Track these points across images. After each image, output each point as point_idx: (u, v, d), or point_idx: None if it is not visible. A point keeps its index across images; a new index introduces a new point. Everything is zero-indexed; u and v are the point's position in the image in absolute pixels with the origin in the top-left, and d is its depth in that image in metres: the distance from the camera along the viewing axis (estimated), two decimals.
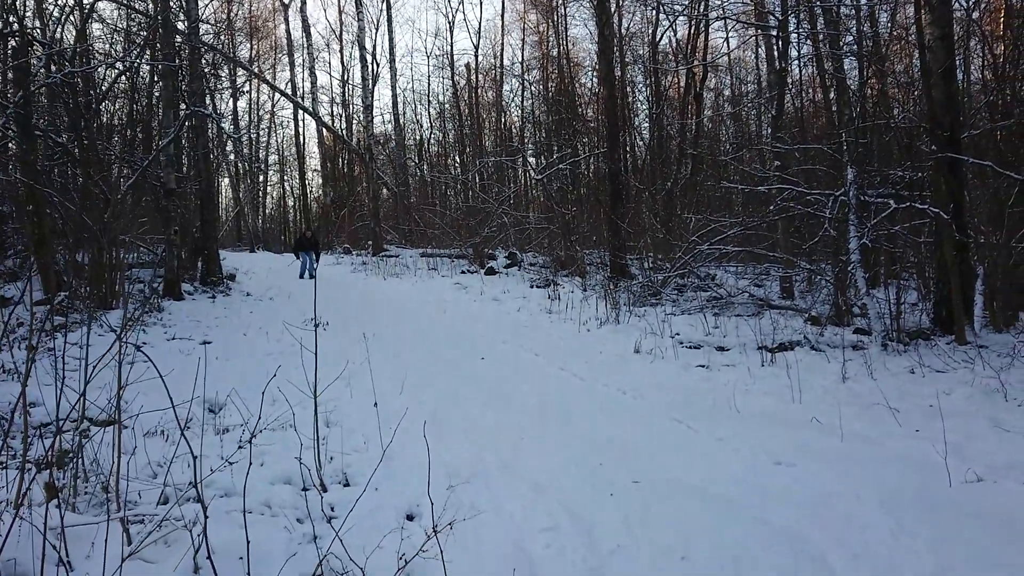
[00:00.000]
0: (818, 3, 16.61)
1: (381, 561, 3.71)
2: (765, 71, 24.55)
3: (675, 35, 26.44)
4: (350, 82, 39.27)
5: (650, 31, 25.61)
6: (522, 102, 36.41)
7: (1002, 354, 8.31)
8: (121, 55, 16.18)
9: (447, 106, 40.22)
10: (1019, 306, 10.28)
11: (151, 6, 17.00)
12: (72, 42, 15.32)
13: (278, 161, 45.87)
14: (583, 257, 20.66)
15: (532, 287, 18.81)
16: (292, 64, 38.83)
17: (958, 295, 9.42)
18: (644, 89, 29.10)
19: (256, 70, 36.43)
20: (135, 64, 16.09)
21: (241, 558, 3.28)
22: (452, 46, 41.59)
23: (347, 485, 5.19)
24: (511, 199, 28.78)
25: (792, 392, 7.74)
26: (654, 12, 24.28)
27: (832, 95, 18.67)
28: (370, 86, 31.71)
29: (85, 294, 12.52)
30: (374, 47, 36.23)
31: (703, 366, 9.60)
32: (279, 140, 45.58)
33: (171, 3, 15.58)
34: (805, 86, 23.66)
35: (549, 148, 30.33)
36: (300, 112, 39.30)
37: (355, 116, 37.49)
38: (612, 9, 23.32)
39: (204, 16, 19.56)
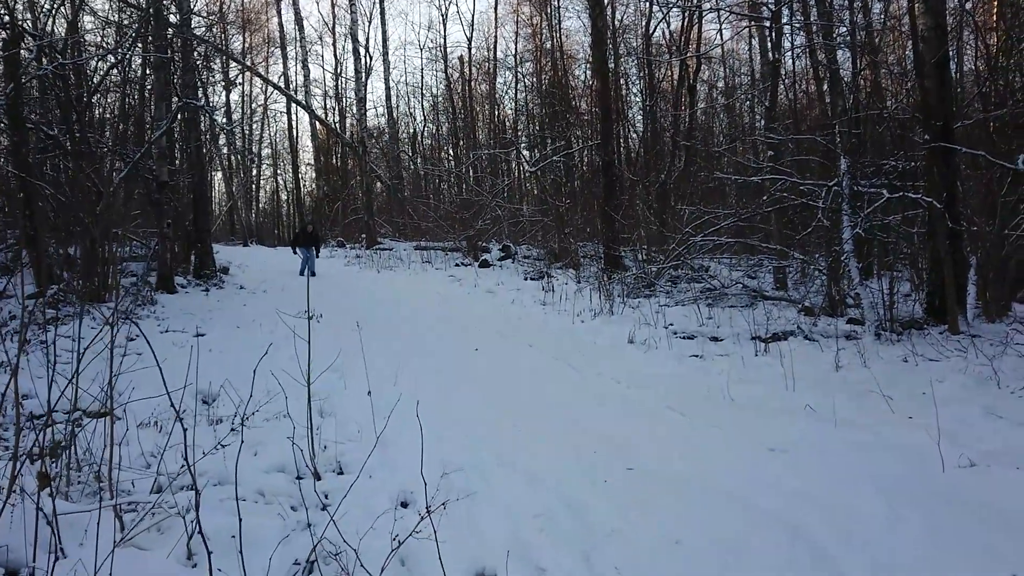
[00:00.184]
0: None
1: (375, 543, 3.70)
2: (758, 63, 24.59)
3: (668, 27, 26.48)
4: (343, 75, 39.21)
5: (644, 23, 25.59)
6: (515, 95, 36.39)
7: (995, 343, 8.33)
8: (113, 47, 16.07)
9: (440, 99, 40.21)
10: (1012, 297, 10.31)
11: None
12: (63, 35, 15.24)
13: (271, 155, 45.78)
14: (577, 249, 20.66)
15: (526, 279, 18.83)
16: (285, 57, 38.72)
17: (951, 285, 9.43)
18: (638, 81, 29.09)
19: (248, 63, 36.30)
20: (127, 56, 16.00)
21: (234, 536, 3.24)
22: (445, 39, 41.37)
23: (341, 473, 5.20)
24: (505, 192, 28.77)
25: (786, 381, 7.75)
26: (647, 4, 24.26)
27: (825, 87, 18.67)
28: (363, 79, 31.64)
29: (77, 287, 12.47)
30: (367, 40, 36.34)
31: (697, 356, 9.61)
32: (272, 133, 45.54)
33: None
34: (798, 78, 23.69)
35: (543, 141, 30.33)
36: (293, 105, 39.20)
37: (348, 109, 37.44)
38: (605, 1, 23.26)
39: (196, 8, 19.40)
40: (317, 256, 20.71)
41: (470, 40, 36.82)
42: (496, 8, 36.22)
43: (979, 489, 4.50)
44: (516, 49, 36.64)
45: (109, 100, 17.96)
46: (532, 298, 15.59)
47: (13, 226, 13.54)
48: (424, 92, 42.18)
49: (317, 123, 37.66)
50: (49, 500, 3.67)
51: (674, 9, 23.48)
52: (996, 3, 14.76)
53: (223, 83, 33.11)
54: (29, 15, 15.05)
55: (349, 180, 36.88)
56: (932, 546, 3.84)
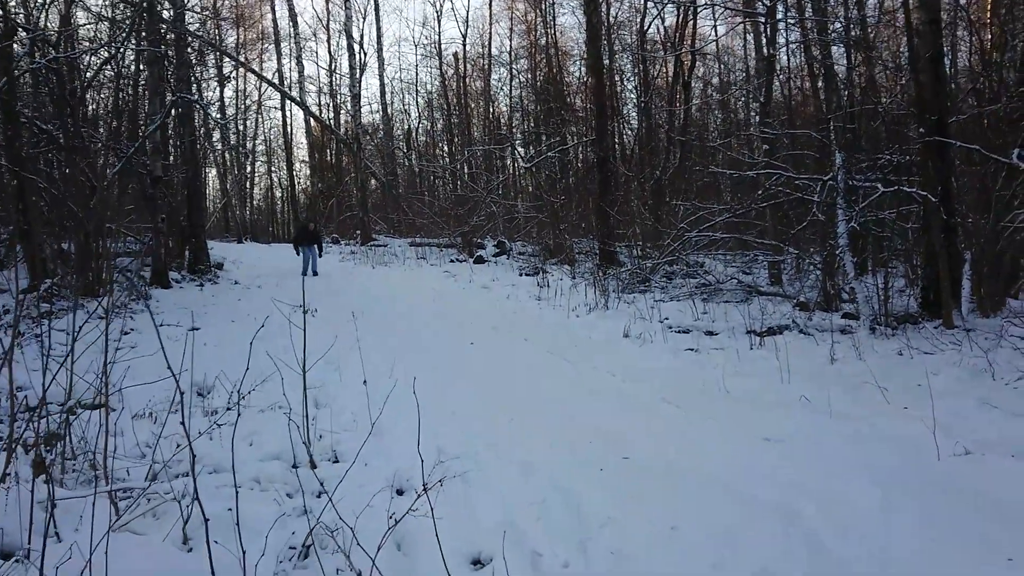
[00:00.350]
0: None
1: (371, 524, 3.70)
2: (753, 59, 24.61)
3: (663, 23, 26.43)
4: (337, 71, 39.14)
5: (638, 19, 25.56)
6: (510, 91, 36.39)
7: (990, 337, 8.33)
8: (106, 42, 16.02)
9: (435, 96, 40.17)
10: (1006, 292, 10.32)
11: None
12: (56, 29, 15.18)
13: (266, 152, 45.68)
14: (572, 245, 20.67)
15: (521, 275, 18.83)
16: (279, 53, 38.63)
17: (946, 279, 9.45)
18: (632, 78, 29.10)
19: (242, 59, 36.22)
20: (121, 50, 15.95)
21: (230, 508, 3.23)
22: (440, 35, 41.48)
23: (336, 461, 5.20)
24: (500, 188, 28.76)
25: (781, 373, 7.75)
26: (642, 0, 24.24)
27: (820, 83, 18.70)
28: (358, 75, 31.58)
29: (71, 282, 12.43)
30: (361, 36, 36.14)
31: (692, 349, 9.62)
32: (266, 130, 45.39)
33: None
34: (793, 74, 23.71)
35: (537, 137, 30.33)
36: (287, 102, 39.11)
37: (343, 106, 37.38)
38: None
39: (190, 4, 19.35)
40: (320, 255, 19.82)
41: (465, 36, 36.98)
42: (491, 4, 36.04)
43: (974, 478, 4.50)
44: (511, 45, 36.65)
45: (102, 95, 17.91)
46: (527, 293, 15.59)
47: (7, 221, 13.49)
48: (419, 89, 42.20)
49: (312, 120, 37.60)
50: (44, 487, 3.66)
51: (669, 5, 23.44)
52: (990, 1, 14.80)
53: (217, 79, 33.04)
54: (22, 9, 14.99)
55: (344, 177, 36.83)
56: (928, 534, 3.84)
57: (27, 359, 6.75)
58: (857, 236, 11.49)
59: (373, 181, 34.76)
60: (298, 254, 19.22)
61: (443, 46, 39.13)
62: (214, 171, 38.88)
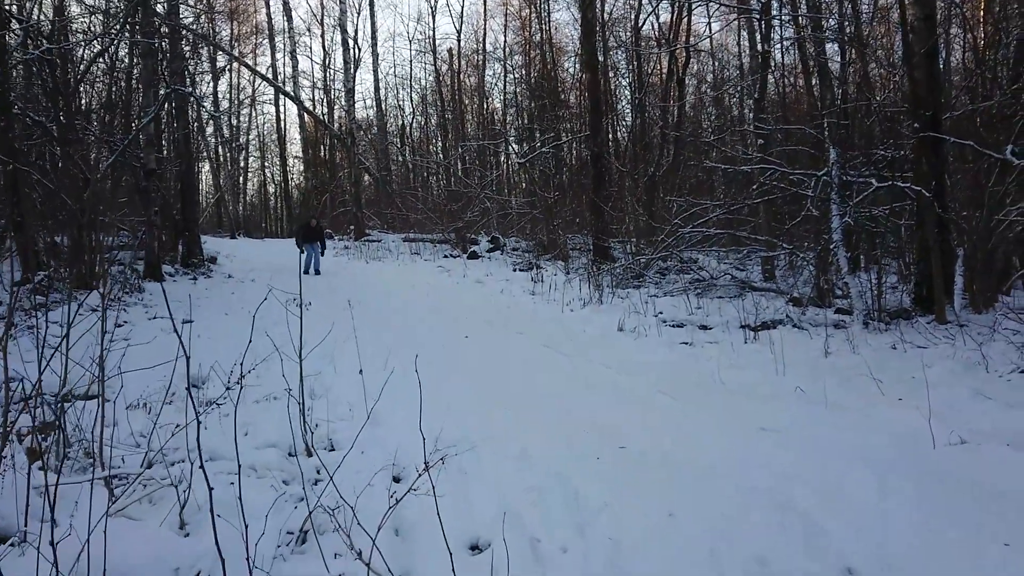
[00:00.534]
0: None
1: (369, 505, 3.70)
2: (747, 57, 24.63)
3: (657, 20, 26.47)
4: (331, 67, 39.08)
5: (633, 16, 25.58)
6: (504, 87, 36.37)
7: (983, 332, 8.36)
8: (100, 34, 15.95)
9: (429, 91, 40.13)
10: (998, 288, 10.36)
11: None
12: (50, 18, 15.10)
13: (259, 147, 45.55)
14: (565, 241, 20.68)
15: (515, 270, 18.85)
16: (273, 48, 38.55)
17: (939, 274, 9.48)
18: (627, 75, 29.09)
19: (236, 53, 36.11)
20: (115, 41, 15.88)
21: (232, 483, 3.22)
22: (434, 31, 41.46)
23: (332, 450, 5.20)
24: (493, 184, 28.76)
25: (776, 365, 7.78)
26: None
27: (814, 79, 18.74)
28: (352, 70, 31.53)
29: (65, 275, 12.38)
30: (356, 31, 36.08)
31: (687, 343, 9.64)
32: (260, 125, 45.29)
33: None
34: (787, 70, 23.75)
35: (531, 133, 30.33)
36: (281, 97, 39.03)
37: (336, 101, 37.32)
38: None
39: None
40: (323, 253, 18.87)
41: (459, 32, 36.77)
42: (485, 0, 36.00)
43: (970, 466, 4.53)
44: (505, 41, 36.64)
45: (96, 88, 17.82)
46: (521, 288, 15.60)
47: (0, 213, 13.42)
48: (413, 84, 42.14)
49: (306, 115, 37.53)
50: (39, 474, 3.65)
51: (663, 2, 23.48)
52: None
53: (210, 72, 32.94)
54: (15, 0, 14.92)
55: (337, 172, 36.77)
56: (924, 519, 3.86)
57: (21, 350, 6.72)
58: (851, 232, 11.53)
59: (367, 176, 34.70)
60: (301, 251, 18.00)
61: (437, 42, 39.39)
62: (207, 166, 38.79)
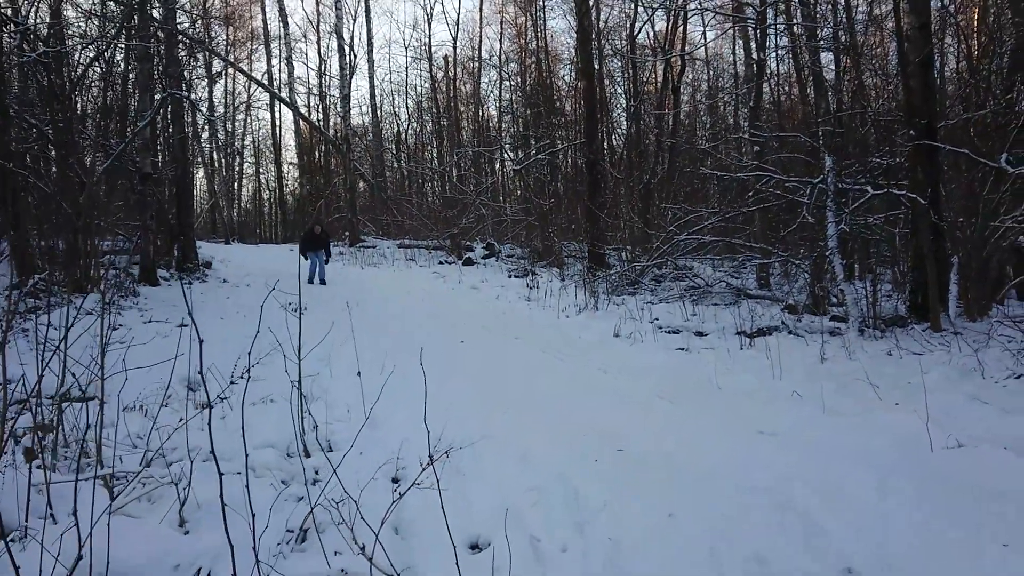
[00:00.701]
0: None
1: (370, 501, 3.70)
2: (742, 65, 24.76)
3: (653, 28, 26.58)
4: (327, 73, 39.11)
5: (628, 24, 25.66)
6: (500, 94, 36.44)
7: (978, 340, 8.39)
8: (96, 37, 15.94)
9: (425, 98, 40.19)
10: (992, 297, 10.40)
11: None
12: (46, 21, 15.09)
13: (254, 153, 45.51)
14: (560, 248, 20.71)
15: (510, 277, 18.86)
16: (269, 54, 38.56)
17: (934, 282, 9.51)
18: (622, 82, 29.19)
19: (232, 59, 36.12)
20: (112, 44, 15.87)
21: (238, 472, 3.22)
22: (430, 38, 41.60)
23: (331, 451, 5.19)
24: (488, 191, 28.79)
25: (773, 370, 7.80)
26: (632, 5, 24.32)
27: (809, 90, 18.83)
28: (347, 77, 31.55)
29: (60, 278, 12.34)
30: (351, 38, 36.14)
31: (683, 349, 9.65)
32: (255, 130, 45.26)
33: None
34: (782, 80, 23.86)
35: (527, 140, 30.40)
36: (276, 103, 39.04)
37: (332, 107, 37.35)
38: (591, 2, 23.33)
39: (181, 3, 19.30)
40: (327, 261, 18.09)
41: (455, 39, 36.94)
42: (481, 8, 36.19)
43: (969, 468, 4.53)
44: (501, 49, 36.71)
45: (92, 92, 17.80)
46: (517, 294, 15.62)
47: None
48: (408, 91, 42.19)
49: (301, 121, 37.53)
50: (37, 473, 3.64)
51: (659, 11, 23.57)
52: (977, 9, 14.95)
53: (206, 77, 32.94)
54: (10, 4, 14.89)
55: (332, 178, 36.75)
56: (924, 519, 3.88)
57: (17, 352, 6.69)
58: (846, 239, 11.57)
59: (362, 183, 34.71)
60: (305, 259, 17.49)
61: (433, 49, 39.21)
62: (202, 171, 38.73)
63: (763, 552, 3.61)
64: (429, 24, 53.14)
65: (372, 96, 34.72)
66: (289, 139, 51.73)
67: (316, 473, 4.61)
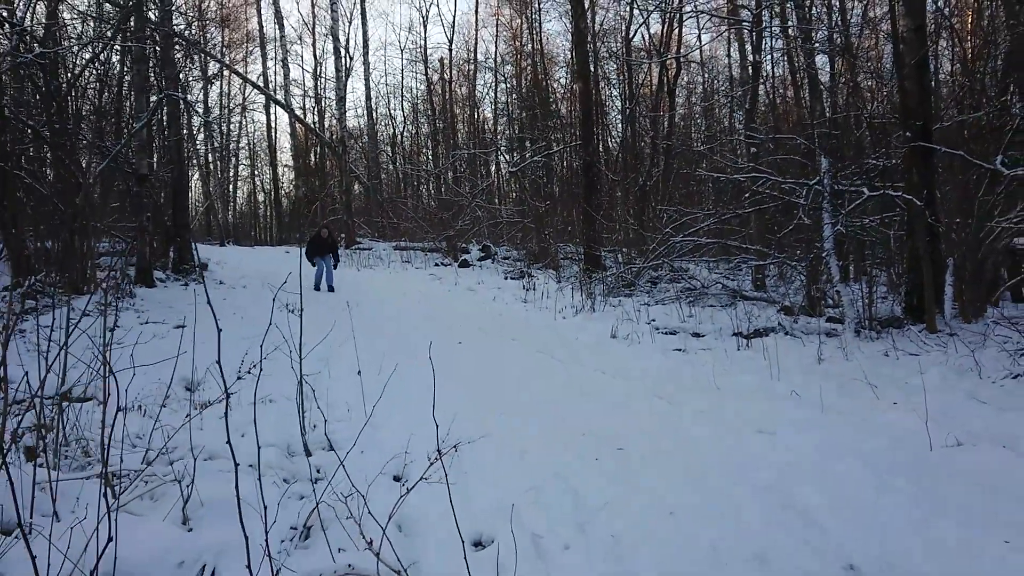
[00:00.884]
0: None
1: (374, 497, 3.70)
2: (737, 68, 24.80)
3: (648, 31, 26.62)
4: (322, 75, 39.11)
5: (624, 27, 25.72)
6: (495, 97, 36.48)
7: (974, 340, 8.42)
8: (93, 38, 15.93)
9: (420, 100, 40.21)
10: (987, 299, 10.44)
11: None
12: (43, 25, 15.06)
13: (249, 155, 45.46)
14: (556, 250, 20.74)
15: (506, 278, 18.88)
16: (264, 56, 38.53)
17: (930, 283, 9.54)
18: (618, 85, 29.23)
19: (227, 61, 36.08)
20: (109, 45, 15.85)
21: (249, 463, 3.23)
22: (426, 40, 41.64)
23: (331, 450, 5.18)
24: (484, 192, 28.80)
25: (770, 370, 7.82)
26: (628, 8, 24.39)
27: (803, 93, 18.90)
28: (343, 79, 31.56)
29: (56, 280, 12.31)
30: (347, 40, 36.11)
31: (680, 350, 9.67)
32: (250, 132, 45.20)
33: None
34: (777, 83, 23.91)
35: (522, 142, 30.43)
36: (272, 105, 39.00)
37: (328, 109, 37.34)
38: (586, 4, 23.38)
39: (177, 5, 19.29)
40: (335, 266, 17.03)
41: (451, 42, 36.91)
42: (477, 10, 36.15)
43: (968, 466, 4.56)
44: (496, 51, 36.76)
45: (88, 94, 17.77)
46: (513, 296, 15.64)
47: None
48: (404, 93, 42.23)
49: (296, 123, 37.51)
50: (40, 472, 3.65)
51: (654, 13, 23.63)
52: (971, 12, 15.02)
53: (202, 79, 32.90)
54: (6, 5, 14.86)
55: (328, 180, 36.75)
56: (924, 515, 3.90)
57: (14, 354, 6.68)
58: (842, 241, 11.61)
59: (357, 185, 34.71)
60: (313, 265, 16.73)
61: (429, 51, 39.23)
62: (197, 174, 38.67)
63: (764, 550, 3.63)
64: (425, 26, 53.22)
65: (368, 98, 34.77)
66: (284, 141, 51.84)
67: (318, 472, 4.62)
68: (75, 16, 17.22)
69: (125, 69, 17.50)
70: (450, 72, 36.77)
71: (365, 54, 34.01)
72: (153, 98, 16.41)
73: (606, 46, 28.12)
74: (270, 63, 38.62)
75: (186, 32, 21.94)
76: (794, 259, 13.20)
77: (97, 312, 4.75)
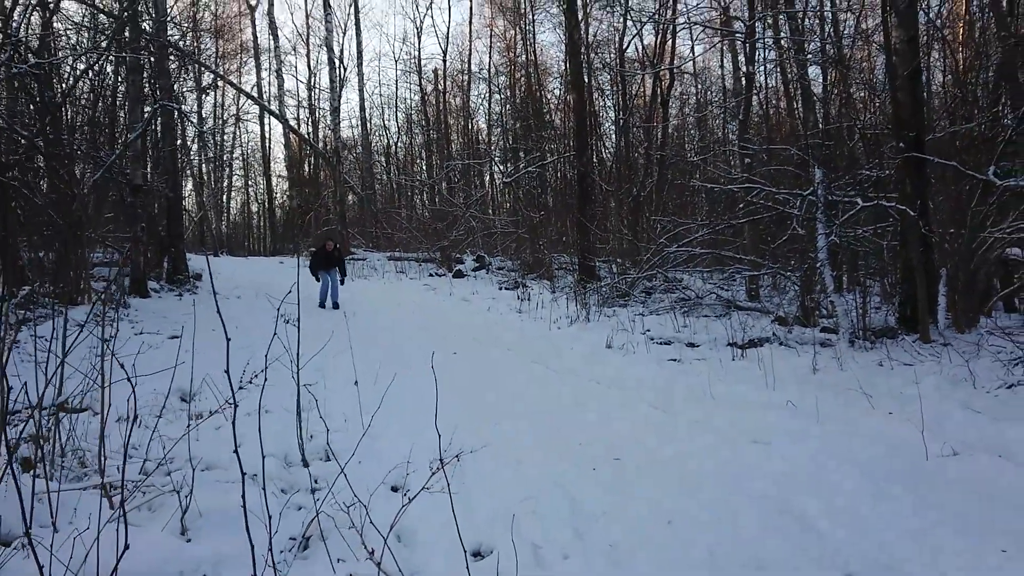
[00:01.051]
0: (783, 11, 16.91)
1: (373, 510, 3.70)
2: (730, 78, 24.92)
3: (642, 42, 26.75)
4: (316, 86, 39.15)
5: (617, 38, 25.83)
6: (489, 107, 36.57)
7: (968, 350, 8.45)
8: (88, 49, 15.93)
9: (414, 111, 40.26)
10: (980, 309, 10.48)
11: (117, 6, 16.79)
12: (37, 36, 15.07)
13: (243, 165, 45.43)
14: (551, 260, 20.76)
15: (501, 289, 18.89)
16: (258, 67, 38.56)
17: (923, 293, 9.58)
18: (611, 96, 29.34)
19: (222, 71, 36.11)
20: (103, 56, 15.86)
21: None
22: (420, 51, 41.67)
23: (328, 460, 5.19)
24: (478, 203, 28.86)
25: (766, 380, 7.85)
26: (621, 20, 24.50)
27: (796, 103, 18.99)
28: (337, 89, 31.60)
29: (50, 290, 12.29)
30: (341, 51, 36.19)
31: (675, 360, 9.69)
32: (244, 143, 45.21)
33: (138, 1, 15.40)
34: (770, 93, 24.04)
35: (516, 153, 30.50)
36: (266, 116, 39.02)
37: (322, 119, 37.40)
38: (580, 16, 23.48)
39: (171, 16, 19.31)
40: (342, 282, 15.87)
41: (445, 53, 36.99)
42: (471, 22, 36.29)
43: (964, 475, 4.58)
44: (491, 62, 36.85)
45: (82, 104, 17.77)
46: (507, 306, 15.64)
47: None
48: (398, 104, 42.25)
49: (291, 133, 37.53)
50: (36, 483, 3.64)
51: (648, 25, 23.75)
52: (963, 24, 15.12)
53: (195, 90, 32.91)
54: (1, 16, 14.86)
55: (321, 191, 36.75)
56: (921, 522, 3.93)
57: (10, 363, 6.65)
58: (835, 251, 11.65)
59: (351, 195, 34.72)
60: (317, 280, 15.64)
61: (423, 62, 39.32)
62: (190, 184, 38.65)
63: (762, 557, 3.64)
64: (419, 37, 53.13)
65: (362, 109, 34.80)
66: (279, 152, 51.65)
67: (315, 482, 4.61)
68: (70, 27, 17.23)
69: (119, 80, 17.51)
70: (444, 83, 36.90)
71: (359, 65, 34.10)
72: (148, 109, 16.41)
73: (600, 57, 28.24)
74: (264, 74, 38.72)
75: (181, 43, 21.95)
76: (788, 269, 13.23)
77: (94, 322, 4.73)
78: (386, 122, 42.67)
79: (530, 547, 3.79)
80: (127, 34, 15.30)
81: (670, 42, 25.30)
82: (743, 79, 18.58)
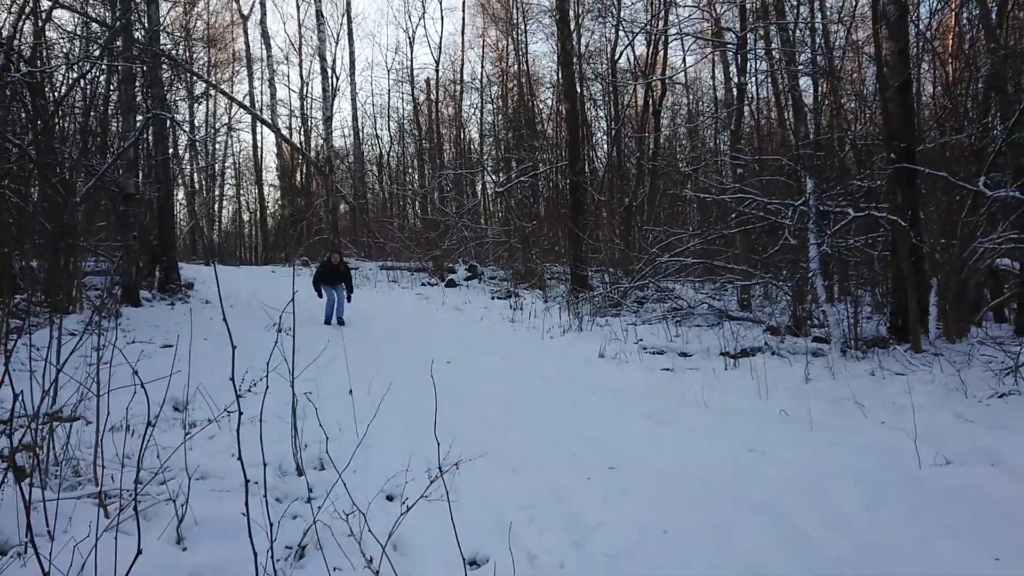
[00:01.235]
0: (774, 22, 17.02)
1: (375, 514, 3.70)
2: (722, 89, 25.03)
3: (634, 53, 26.83)
4: (309, 95, 39.16)
5: (609, 49, 25.93)
6: (481, 117, 36.63)
7: (958, 360, 8.49)
8: (80, 57, 15.94)
9: (407, 120, 40.31)
10: (970, 319, 10.54)
11: (109, 15, 16.80)
12: (29, 45, 15.06)
13: (235, 174, 45.38)
14: (543, 270, 20.79)
15: (493, 298, 18.90)
16: (251, 76, 38.57)
17: (914, 303, 9.63)
18: (603, 106, 29.45)
19: (214, 81, 36.09)
20: (97, 64, 15.86)
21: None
22: (412, 61, 41.85)
23: (323, 469, 5.18)
24: (471, 213, 28.89)
25: (758, 389, 7.87)
26: (613, 30, 24.60)
27: (787, 113, 19.10)
28: (330, 99, 31.63)
29: (42, 299, 12.25)
30: (334, 61, 36.22)
31: (668, 369, 9.70)
32: (236, 152, 45.15)
33: (131, 10, 15.42)
34: (762, 104, 24.15)
35: (508, 163, 30.57)
36: (258, 125, 39.02)
37: (314, 129, 37.41)
38: (572, 26, 23.56)
39: (164, 25, 19.33)
40: (349, 299, 14.85)
41: (437, 62, 37.02)
42: (463, 32, 36.34)
43: (957, 483, 4.60)
44: (483, 72, 36.94)
45: (74, 113, 17.75)
46: (500, 315, 15.65)
47: None
48: (391, 113, 42.30)
49: (283, 143, 37.53)
50: (28, 492, 3.63)
51: (639, 35, 23.85)
52: (953, 36, 15.25)
53: (188, 99, 32.89)
54: None
55: (313, 200, 36.73)
56: (916, 531, 3.94)
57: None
58: (827, 261, 11.70)
59: (343, 204, 34.72)
60: (320, 296, 14.57)
61: (415, 72, 39.41)
62: (182, 193, 38.59)
63: (759, 566, 3.65)
64: (411, 47, 53.39)
65: (354, 118, 34.88)
66: (271, 161, 51.65)
67: (310, 491, 4.60)
68: (62, 36, 17.23)
69: (112, 88, 17.50)
70: (436, 92, 36.92)
71: (352, 74, 34.18)
72: (140, 118, 16.41)
73: (592, 67, 28.31)
74: (257, 83, 38.69)
75: (173, 52, 21.95)
76: (780, 279, 13.28)
77: (88, 331, 4.72)
78: (378, 131, 42.76)
79: (526, 556, 3.80)
80: (120, 43, 15.29)
81: (662, 53, 25.46)
82: (734, 90, 18.68)
